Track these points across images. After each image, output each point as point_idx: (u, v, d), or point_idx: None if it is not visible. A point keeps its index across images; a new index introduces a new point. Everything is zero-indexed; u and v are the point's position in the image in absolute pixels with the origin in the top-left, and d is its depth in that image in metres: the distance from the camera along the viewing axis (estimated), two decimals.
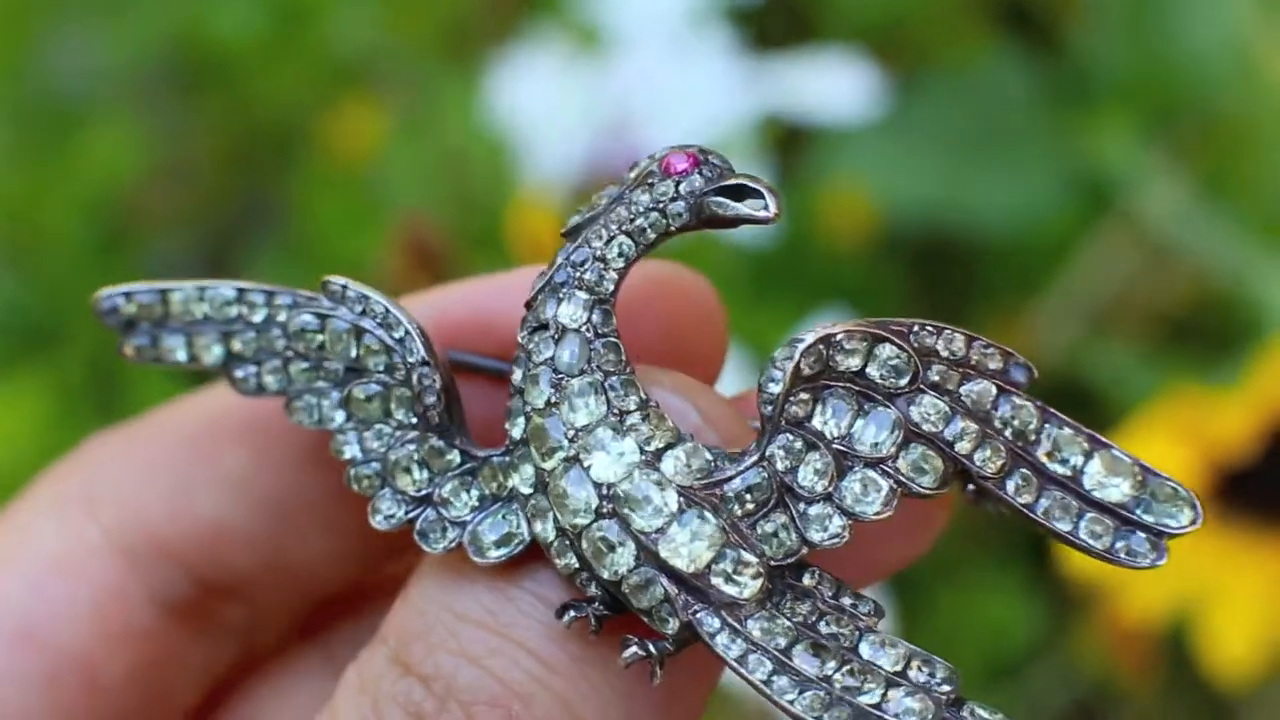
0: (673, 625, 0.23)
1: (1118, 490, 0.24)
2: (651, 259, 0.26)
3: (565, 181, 0.61)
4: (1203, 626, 0.59)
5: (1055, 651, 0.68)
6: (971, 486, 0.25)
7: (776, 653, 0.23)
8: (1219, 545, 0.59)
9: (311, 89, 0.72)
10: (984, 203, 0.69)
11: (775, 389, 0.23)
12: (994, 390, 0.24)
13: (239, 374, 0.26)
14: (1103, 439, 0.24)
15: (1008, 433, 0.24)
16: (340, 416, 0.26)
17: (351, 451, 0.25)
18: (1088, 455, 0.24)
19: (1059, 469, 0.24)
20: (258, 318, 0.26)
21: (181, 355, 0.27)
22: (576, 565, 0.24)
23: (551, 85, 0.63)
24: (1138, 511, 0.24)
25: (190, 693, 0.29)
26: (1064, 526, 0.24)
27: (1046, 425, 0.24)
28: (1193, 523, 0.24)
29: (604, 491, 0.23)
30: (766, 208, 0.24)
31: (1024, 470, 0.24)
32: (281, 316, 0.26)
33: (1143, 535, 0.24)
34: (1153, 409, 0.57)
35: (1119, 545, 0.24)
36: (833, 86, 0.64)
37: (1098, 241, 0.70)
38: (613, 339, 0.24)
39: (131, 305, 0.27)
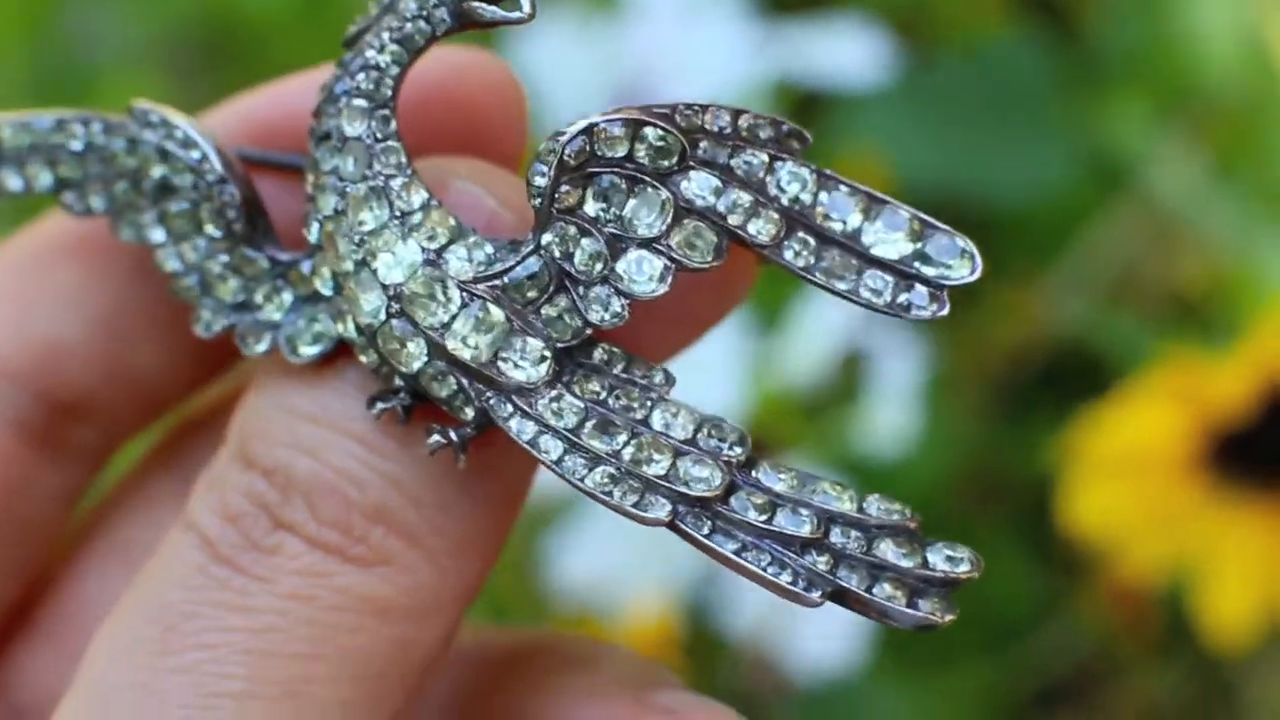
0: (469, 413, 0.24)
1: (895, 246, 0.24)
2: (451, 44, 0.26)
3: None
4: (1200, 590, 0.59)
5: (1056, 617, 0.68)
6: None
7: (566, 432, 0.24)
8: (1216, 509, 0.59)
9: (334, 53, 0.73)
10: (997, 176, 0.70)
11: (542, 181, 0.24)
12: (766, 159, 0.24)
13: (68, 198, 0.28)
14: (881, 196, 0.24)
15: (784, 199, 0.24)
16: (159, 233, 0.27)
17: (172, 265, 0.27)
18: (865, 213, 0.24)
19: (837, 228, 0.24)
20: (77, 145, 0.27)
21: (16, 183, 0.28)
22: (378, 361, 0.25)
23: (567, 49, 0.63)
24: (917, 265, 0.24)
25: (50, 518, 0.30)
26: (844, 286, 0.24)
27: (822, 188, 0.24)
28: (971, 272, 0.24)
29: (391, 292, 0.24)
30: (520, 8, 0.25)
31: (801, 235, 0.24)
32: (99, 141, 0.27)
33: (924, 289, 0.24)
34: (1151, 373, 0.58)
35: (900, 299, 0.24)
36: (847, 53, 0.65)
37: (1108, 218, 0.70)
38: (393, 143, 0.25)
39: None
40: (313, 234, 0.25)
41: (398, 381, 0.25)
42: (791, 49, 0.64)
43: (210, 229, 0.26)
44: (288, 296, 0.26)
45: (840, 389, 0.62)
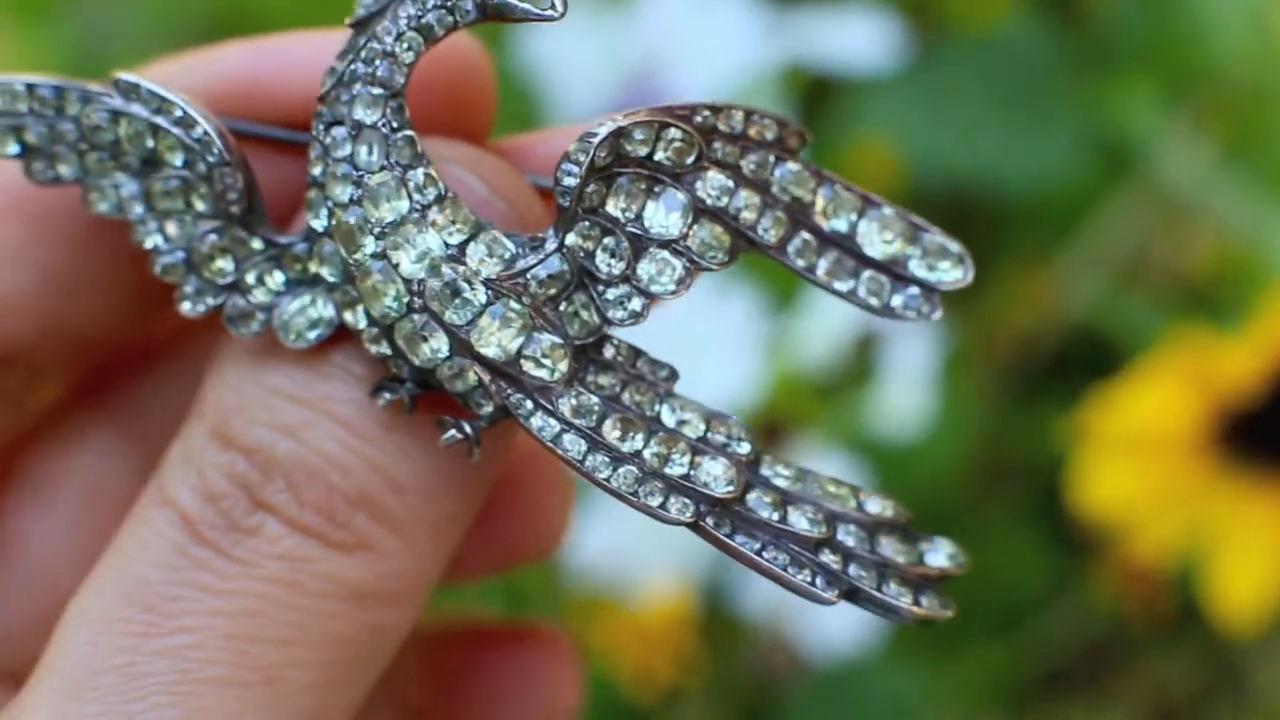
0: (488, 409, 0.25)
1: (890, 247, 0.25)
2: None
3: None
4: (1209, 571, 0.59)
5: (1066, 600, 0.69)
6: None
7: (589, 430, 0.24)
8: (1225, 489, 0.59)
9: None
10: (1007, 162, 0.70)
11: (572, 182, 0.24)
12: (770, 158, 0.25)
13: (35, 165, 0.27)
14: (876, 198, 0.25)
15: (786, 198, 0.25)
16: (140, 208, 0.26)
17: (154, 241, 0.26)
18: (861, 214, 0.25)
19: (834, 228, 0.25)
20: (49, 112, 0.27)
21: None
22: (390, 353, 0.25)
23: (577, 37, 0.63)
24: (910, 266, 0.25)
25: None
26: (844, 287, 0.25)
27: (821, 187, 0.25)
28: (963, 276, 0.25)
29: (413, 287, 0.24)
30: (553, 6, 0.25)
31: (804, 235, 0.25)
32: (73, 110, 0.27)
33: (917, 291, 0.25)
34: (1161, 354, 0.58)
35: (894, 301, 0.25)
36: (857, 39, 0.65)
37: (1118, 202, 0.70)
38: (409, 132, 0.25)
39: None
40: (320, 220, 0.25)
41: (405, 371, 0.25)
42: (801, 36, 0.65)
43: (200, 206, 0.26)
44: (280, 278, 0.26)
45: (854, 371, 0.62)
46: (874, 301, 0.25)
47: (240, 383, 0.25)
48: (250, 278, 0.26)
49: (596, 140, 0.24)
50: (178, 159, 0.26)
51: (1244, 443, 0.59)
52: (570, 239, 0.25)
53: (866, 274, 0.25)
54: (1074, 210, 0.71)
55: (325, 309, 0.25)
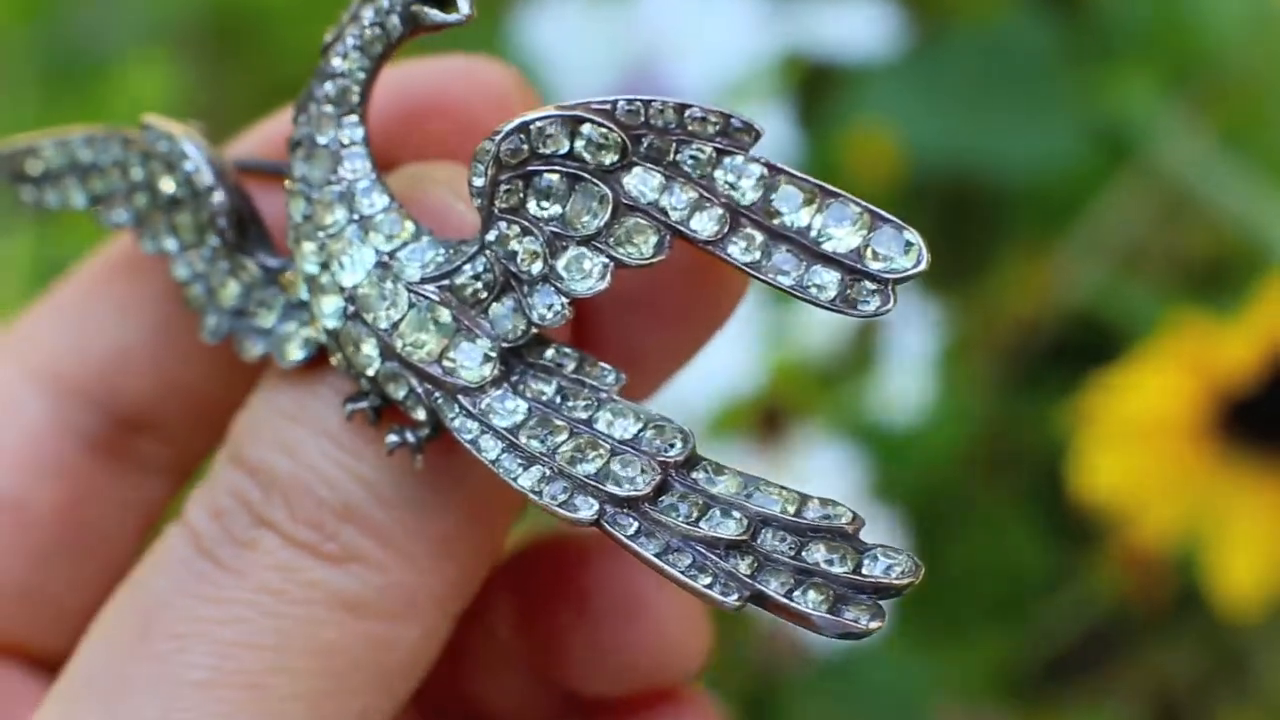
0: (420, 413, 0.25)
1: (845, 241, 0.24)
2: (451, 55, 0.27)
3: None
4: (1210, 557, 0.60)
5: (1067, 587, 0.69)
6: None
7: (505, 432, 0.24)
8: (1225, 475, 0.59)
9: None
10: (1007, 150, 0.70)
11: (480, 181, 0.24)
12: (712, 152, 0.24)
13: (99, 212, 0.28)
14: (832, 189, 0.24)
15: (734, 194, 0.24)
16: (173, 243, 0.27)
17: (183, 273, 0.27)
18: (815, 208, 0.24)
19: (787, 224, 0.24)
20: (105, 160, 0.28)
21: (55, 201, 0.29)
22: (344, 363, 0.25)
23: (577, 25, 0.64)
24: (865, 260, 0.24)
25: (123, 530, 0.30)
26: (788, 282, 0.24)
27: (772, 182, 0.24)
28: (916, 264, 0.23)
29: (347, 294, 0.25)
30: (458, 10, 0.25)
31: (748, 230, 0.24)
32: (119, 157, 0.28)
33: (870, 285, 0.24)
34: (1161, 340, 0.58)
35: (846, 294, 0.24)
36: (856, 27, 0.65)
37: (1117, 189, 0.71)
38: (358, 148, 0.25)
39: (11, 164, 0.30)
40: (290, 239, 0.26)
41: (365, 384, 0.25)
42: (800, 23, 0.65)
43: (210, 238, 0.27)
44: (278, 302, 0.26)
45: (854, 358, 0.63)
46: (822, 296, 0.24)
47: (256, 407, 0.26)
48: (253, 302, 0.27)
49: (500, 137, 0.24)
50: (187, 193, 0.27)
51: (1244, 428, 0.59)
52: (490, 238, 0.25)
53: (816, 267, 0.24)
54: (1073, 198, 0.71)
55: (307, 329, 0.26)
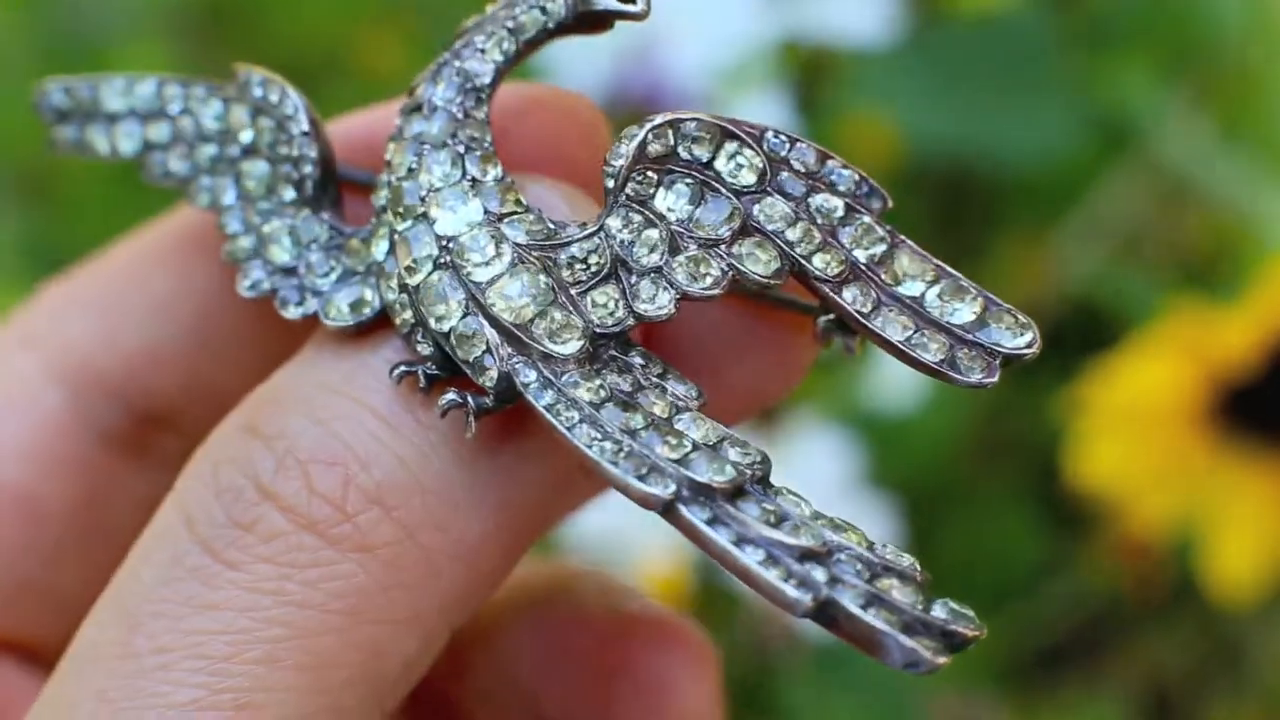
0: (491, 374, 0.24)
1: (959, 315, 0.24)
2: (532, 82, 0.26)
3: None
4: (1206, 545, 0.60)
5: (1063, 573, 0.69)
6: (822, 320, 0.26)
7: (588, 406, 0.23)
8: (1222, 463, 0.59)
9: (340, 19, 0.73)
10: (1004, 137, 0.70)
11: (619, 163, 0.24)
12: (842, 208, 0.24)
13: (150, 161, 0.27)
14: (950, 269, 0.24)
15: (856, 253, 0.24)
16: (232, 195, 0.27)
17: (234, 226, 0.26)
18: (932, 282, 0.24)
19: (903, 292, 0.24)
20: (174, 108, 0.27)
21: (103, 146, 0.28)
22: (413, 321, 0.24)
23: None
24: (976, 334, 0.24)
25: (139, 527, 0.28)
26: (897, 337, 0.24)
27: (894, 249, 0.24)
28: (1029, 345, 0.24)
29: (444, 244, 0.24)
30: (635, 2, 0.24)
31: (864, 283, 0.24)
32: (195, 105, 0.27)
33: (976, 354, 0.24)
34: (1158, 328, 0.58)
35: (950, 359, 0.24)
36: (854, 14, 0.65)
37: (1115, 177, 0.71)
38: (481, 119, 0.25)
39: (68, 98, 0.28)
40: (380, 198, 0.25)
41: (427, 349, 0.24)
42: (798, 10, 0.65)
43: (284, 193, 0.26)
44: (339, 266, 0.26)
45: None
46: (927, 356, 0.24)
47: (283, 379, 0.25)
48: (312, 260, 0.26)
49: (650, 125, 0.24)
50: (268, 140, 0.26)
51: (1241, 416, 0.59)
52: (612, 222, 0.24)
53: (926, 330, 0.24)
54: (1071, 185, 0.71)
55: (371, 294, 0.25)
